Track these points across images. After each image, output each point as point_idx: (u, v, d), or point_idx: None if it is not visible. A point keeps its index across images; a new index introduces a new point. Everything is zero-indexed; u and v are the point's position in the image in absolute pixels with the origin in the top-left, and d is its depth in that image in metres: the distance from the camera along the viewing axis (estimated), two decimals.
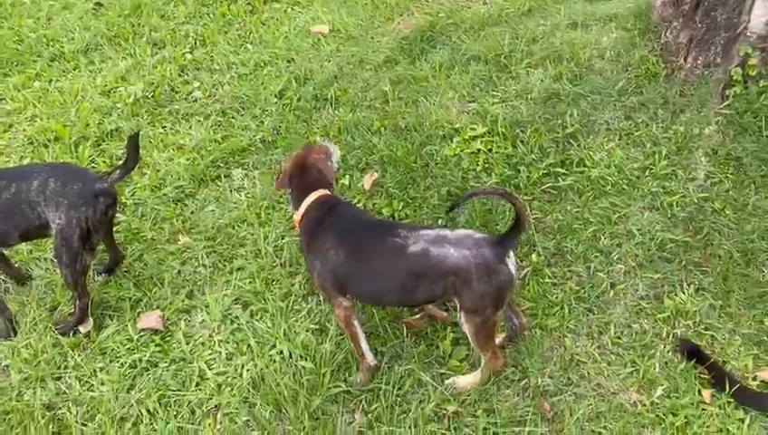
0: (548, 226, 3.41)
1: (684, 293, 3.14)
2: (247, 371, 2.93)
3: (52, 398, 2.88)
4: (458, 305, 2.60)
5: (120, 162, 3.02)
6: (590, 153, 3.70)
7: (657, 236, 3.33)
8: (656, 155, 3.66)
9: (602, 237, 3.35)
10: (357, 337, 2.80)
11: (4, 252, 3.21)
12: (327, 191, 2.82)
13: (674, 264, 3.24)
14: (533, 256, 3.29)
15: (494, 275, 2.50)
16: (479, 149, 3.75)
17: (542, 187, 3.58)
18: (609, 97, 3.95)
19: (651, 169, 3.61)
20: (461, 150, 3.76)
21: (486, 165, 3.69)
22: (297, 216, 2.79)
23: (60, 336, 3.06)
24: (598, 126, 3.84)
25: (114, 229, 3.43)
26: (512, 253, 2.58)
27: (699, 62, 3.88)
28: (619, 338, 3.03)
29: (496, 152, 3.73)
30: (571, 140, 3.77)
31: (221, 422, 2.79)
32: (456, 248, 2.51)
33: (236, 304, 3.18)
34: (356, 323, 2.78)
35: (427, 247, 2.52)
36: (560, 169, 3.64)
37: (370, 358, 2.85)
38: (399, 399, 2.81)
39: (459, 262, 2.49)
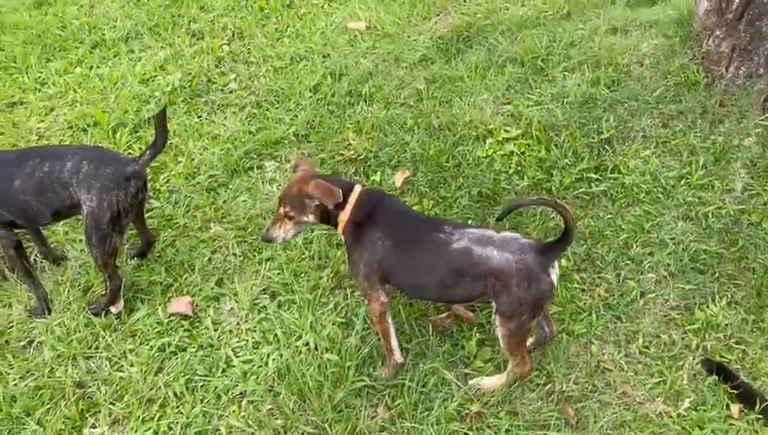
0: (579, 231, 3.37)
1: (715, 305, 3.09)
2: (273, 360, 2.96)
3: (83, 376, 2.94)
4: (495, 308, 2.59)
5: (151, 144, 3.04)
6: (625, 160, 3.66)
7: (691, 247, 3.28)
8: (692, 164, 3.60)
9: (634, 245, 3.31)
10: (388, 333, 2.81)
11: (41, 231, 3.29)
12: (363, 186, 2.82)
13: (706, 275, 3.20)
14: (563, 260, 3.26)
15: (534, 282, 2.48)
16: (512, 152, 3.73)
17: (575, 192, 3.55)
18: (647, 104, 3.90)
19: (687, 178, 3.56)
20: (494, 152, 3.75)
21: (519, 168, 3.67)
22: (345, 214, 2.68)
23: (92, 316, 3.12)
24: (634, 133, 3.79)
25: (146, 214, 3.51)
26: (556, 263, 2.56)
27: (741, 72, 3.82)
28: (647, 347, 3.00)
29: (529, 155, 3.71)
30: (606, 146, 3.73)
31: (245, 409, 2.82)
32: (499, 251, 2.49)
33: (265, 293, 3.22)
34: (389, 319, 2.79)
35: (470, 246, 2.52)
36: (593, 175, 3.60)
37: (398, 355, 2.86)
38: (423, 396, 2.82)
39: (501, 264, 2.48)
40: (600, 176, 3.61)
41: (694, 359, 2.93)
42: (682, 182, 3.56)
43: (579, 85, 4.05)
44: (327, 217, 2.72)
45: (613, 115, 3.85)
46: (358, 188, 2.71)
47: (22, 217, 3.02)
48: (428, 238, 2.60)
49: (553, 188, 3.56)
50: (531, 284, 2.48)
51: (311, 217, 2.70)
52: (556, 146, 3.73)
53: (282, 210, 2.69)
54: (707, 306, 3.09)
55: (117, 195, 2.92)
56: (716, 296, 3.12)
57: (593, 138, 3.76)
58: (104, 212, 2.91)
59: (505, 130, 3.84)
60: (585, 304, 3.13)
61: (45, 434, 2.75)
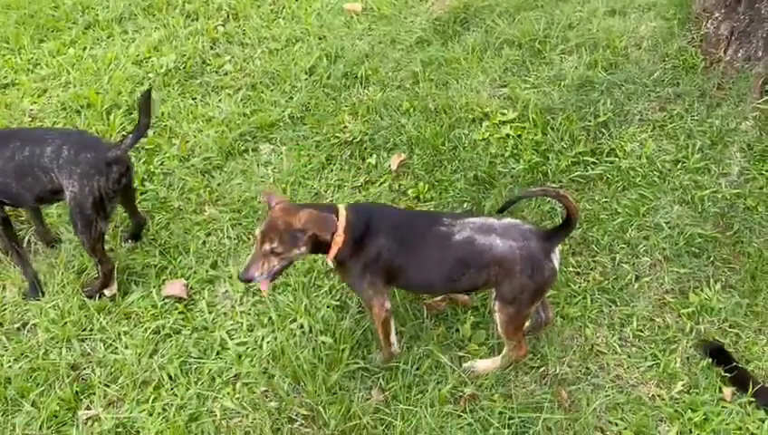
0: None
1: (710, 289, 3.09)
2: (267, 343, 2.96)
3: (77, 358, 2.95)
4: (495, 294, 2.58)
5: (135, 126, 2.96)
6: (622, 143, 3.64)
7: (686, 231, 3.28)
8: (689, 148, 3.59)
9: (629, 229, 3.31)
10: (389, 333, 2.80)
11: (40, 210, 3.27)
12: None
13: (701, 259, 3.20)
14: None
15: (537, 269, 2.48)
16: (508, 135, 3.71)
17: (571, 175, 3.53)
18: (644, 87, 3.87)
19: (684, 162, 3.55)
20: (490, 135, 3.73)
21: (515, 151, 3.65)
22: (339, 237, 2.53)
23: (86, 299, 3.12)
24: (631, 116, 3.77)
25: (140, 196, 3.49)
26: (557, 249, 2.56)
27: (740, 55, 3.79)
28: (640, 331, 3.01)
29: (526, 138, 3.69)
30: (602, 130, 3.71)
31: (240, 391, 2.83)
32: (502, 238, 2.48)
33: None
34: (392, 321, 2.78)
35: (473, 236, 2.50)
36: (589, 158, 3.59)
37: (396, 348, 2.86)
38: (417, 379, 2.83)
39: (505, 252, 2.47)
40: (597, 159, 3.59)
41: (687, 342, 2.94)
42: (678, 166, 3.55)
43: (576, 68, 4.02)
44: (318, 247, 2.56)
45: (610, 98, 3.83)
46: (342, 209, 2.59)
47: (3, 197, 3.01)
48: (430, 234, 2.56)
49: (549, 171, 3.55)
50: (534, 270, 2.48)
51: (303, 250, 2.52)
52: (552, 129, 3.71)
53: (266, 247, 2.46)
54: (702, 290, 3.10)
55: (98, 180, 2.88)
56: (711, 280, 3.13)
57: (590, 121, 3.74)
58: (86, 198, 2.88)
59: (502, 114, 3.81)
60: (580, 287, 3.14)
61: (40, 416, 2.75)
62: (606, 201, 3.42)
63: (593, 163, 3.57)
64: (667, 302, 3.09)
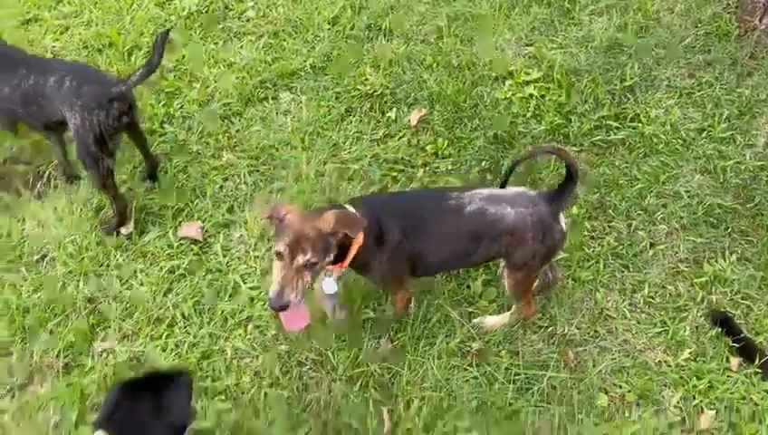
0: (593, 179, 3.34)
1: (725, 260, 3.07)
2: None
3: (94, 292, 3.01)
4: (505, 262, 2.57)
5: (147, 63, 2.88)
6: (647, 109, 3.57)
7: (706, 201, 3.24)
8: (715, 117, 3.52)
9: (648, 196, 3.28)
10: (410, 308, 2.83)
11: (65, 141, 3.29)
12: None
13: (719, 230, 3.17)
14: (575, 208, 3.24)
15: (548, 233, 2.45)
16: (531, 95, 3.66)
17: (592, 139, 3.49)
18: (674, 53, 3.78)
19: (709, 131, 3.49)
20: (512, 94, 3.67)
21: (537, 111, 3.60)
22: (359, 236, 2.31)
23: (104, 235, 3.16)
24: (658, 82, 3.69)
25: (159, 138, 3.51)
26: (562, 213, 2.53)
27: None
28: (651, 298, 3.01)
29: (549, 99, 3.64)
30: (627, 94, 3.65)
31: (251, 333, 2.88)
32: (512, 207, 2.43)
33: None
34: (412, 301, 2.81)
35: (483, 206, 2.43)
36: (612, 123, 3.53)
37: (411, 310, 2.88)
38: (426, 331, 2.86)
39: (516, 221, 2.42)
40: (620, 124, 3.53)
41: (698, 311, 2.94)
42: (703, 135, 3.49)
43: (605, 30, 3.92)
44: (342, 252, 2.33)
45: (638, 63, 3.74)
46: (350, 207, 2.39)
47: (13, 121, 3.09)
48: (440, 209, 2.46)
49: (571, 133, 3.50)
50: (545, 235, 2.45)
51: (331, 257, 2.27)
52: (577, 91, 3.65)
53: (298, 260, 2.15)
54: (716, 261, 3.08)
55: (98, 115, 2.83)
56: (727, 251, 3.10)
57: (615, 85, 3.67)
58: (87, 133, 2.85)
59: (526, 73, 3.75)
60: (593, 251, 3.13)
61: (57, 345, 2.83)
62: (626, 167, 3.38)
63: (616, 128, 3.52)
64: (680, 270, 3.07)
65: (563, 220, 2.53)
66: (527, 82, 3.71)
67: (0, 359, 2.84)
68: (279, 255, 2.17)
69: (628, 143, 3.47)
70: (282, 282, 2.15)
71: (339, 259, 2.33)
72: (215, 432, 2.60)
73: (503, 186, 2.63)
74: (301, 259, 2.15)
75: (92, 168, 2.95)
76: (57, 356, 2.81)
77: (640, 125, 3.52)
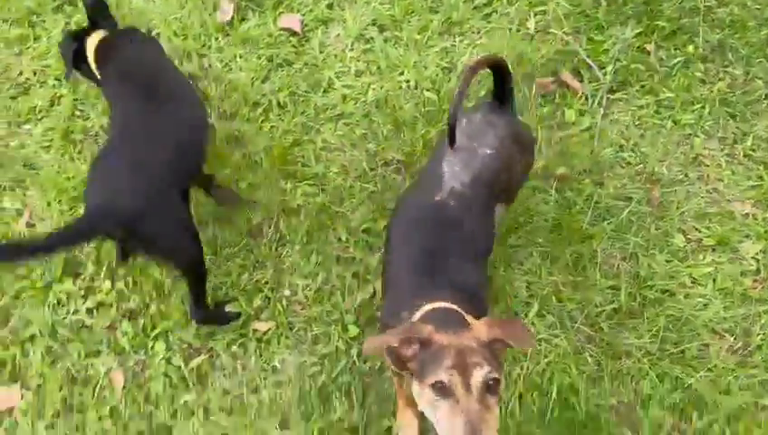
0: (718, 17, 3.08)
1: None
2: (373, 90, 3.01)
3: (196, 71, 3.10)
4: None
5: None
6: None
7: None
8: None
9: None
10: None
11: None
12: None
13: None
14: (690, 47, 3.04)
15: (528, 146, 2.34)
16: None
17: None
18: None
19: None
20: None
21: None
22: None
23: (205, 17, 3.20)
24: None
25: None
26: None
27: None
28: (753, 150, 2.89)
29: None
30: None
31: (341, 129, 2.95)
32: (488, 147, 2.14)
33: (373, 25, 3.16)
34: None
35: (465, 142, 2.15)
36: None
37: None
38: None
39: (502, 155, 2.17)
40: None
41: None
42: None
43: None
44: None
45: None
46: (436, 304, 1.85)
47: None
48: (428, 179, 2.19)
49: None
50: (525, 148, 2.30)
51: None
52: None
53: (476, 380, 1.51)
54: None
55: None
56: None
57: None
58: None
59: None
60: (701, 95, 2.97)
61: None
62: (758, 9, 3.09)
63: None
64: None
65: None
66: None
67: None
68: (442, 388, 1.52)
69: None
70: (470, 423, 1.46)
71: None
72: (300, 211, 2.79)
73: (451, 145, 2.12)
74: (479, 376, 1.52)
75: None
76: None
77: None
